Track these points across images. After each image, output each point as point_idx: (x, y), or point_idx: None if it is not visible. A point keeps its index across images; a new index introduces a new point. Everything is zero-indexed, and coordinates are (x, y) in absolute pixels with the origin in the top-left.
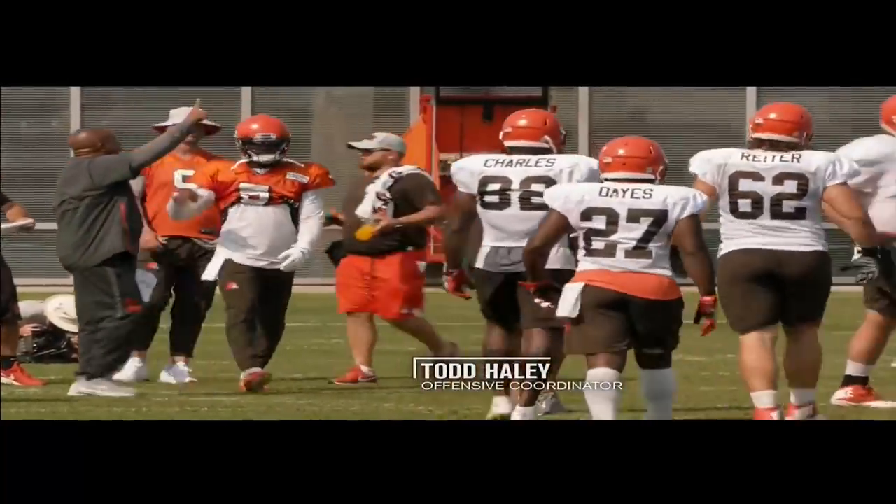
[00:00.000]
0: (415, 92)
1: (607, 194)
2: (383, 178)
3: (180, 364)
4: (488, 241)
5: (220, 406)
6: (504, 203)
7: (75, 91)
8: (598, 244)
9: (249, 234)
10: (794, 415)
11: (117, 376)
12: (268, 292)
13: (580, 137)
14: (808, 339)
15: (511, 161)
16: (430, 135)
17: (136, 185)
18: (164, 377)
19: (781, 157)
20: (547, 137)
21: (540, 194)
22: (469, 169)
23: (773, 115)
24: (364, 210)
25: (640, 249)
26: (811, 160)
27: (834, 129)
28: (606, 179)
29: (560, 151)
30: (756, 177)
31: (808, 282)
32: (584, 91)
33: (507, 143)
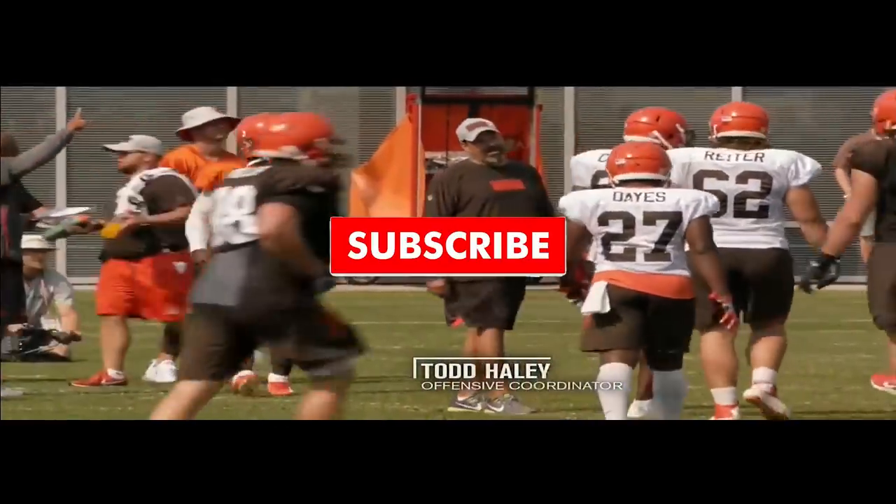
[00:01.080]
0: (400, 91)
1: (622, 199)
2: (134, 182)
3: (164, 363)
4: None
5: (207, 405)
6: None
7: (61, 91)
8: (616, 248)
9: None
10: (753, 390)
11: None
12: None
13: (566, 137)
14: (775, 331)
15: None
16: (416, 134)
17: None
18: (150, 375)
19: (745, 155)
20: (657, 133)
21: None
22: (585, 164)
23: (736, 114)
24: (119, 213)
25: (658, 252)
26: (775, 159)
27: (821, 128)
28: (620, 181)
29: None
30: (720, 175)
31: (768, 280)
32: (569, 90)
33: (625, 138)
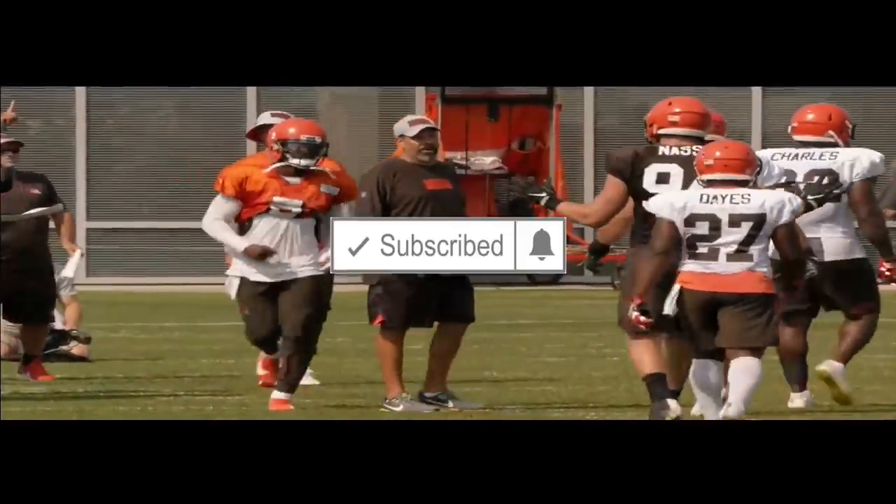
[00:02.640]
0: (420, 91)
1: (708, 201)
2: None
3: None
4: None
5: (225, 405)
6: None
7: (80, 91)
8: (702, 248)
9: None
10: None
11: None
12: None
13: (585, 136)
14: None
15: (797, 154)
16: None
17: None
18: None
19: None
20: (831, 132)
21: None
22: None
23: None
24: None
25: (741, 252)
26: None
27: None
28: (708, 181)
29: (847, 145)
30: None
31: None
32: (589, 90)
33: (795, 138)
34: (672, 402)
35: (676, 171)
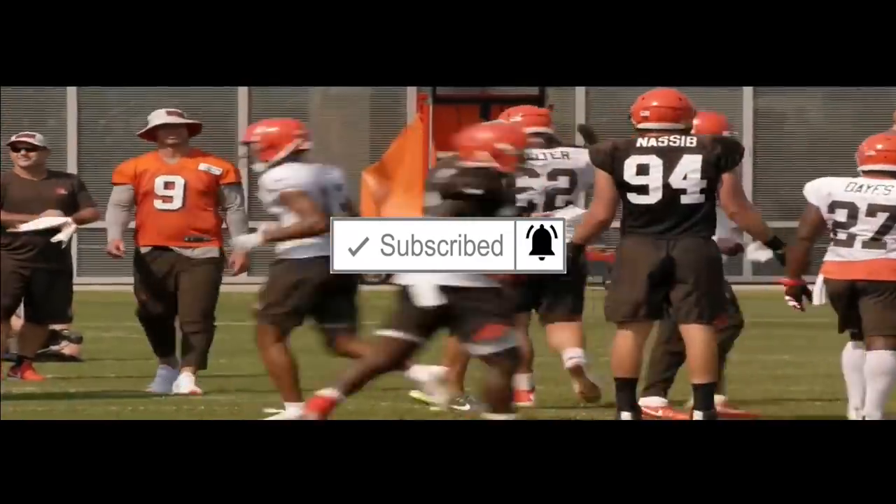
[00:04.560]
0: (411, 91)
1: (851, 189)
2: None
3: (185, 373)
4: None
5: (217, 405)
6: None
7: (72, 91)
8: (841, 235)
9: None
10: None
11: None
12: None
13: (577, 137)
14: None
15: None
16: (427, 134)
17: (122, 193)
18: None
19: (553, 154)
20: None
21: None
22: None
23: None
24: None
25: (875, 241)
26: (580, 157)
27: (833, 128)
28: (864, 172)
29: None
30: (532, 174)
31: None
32: (580, 91)
33: None
34: (625, 415)
35: (656, 163)
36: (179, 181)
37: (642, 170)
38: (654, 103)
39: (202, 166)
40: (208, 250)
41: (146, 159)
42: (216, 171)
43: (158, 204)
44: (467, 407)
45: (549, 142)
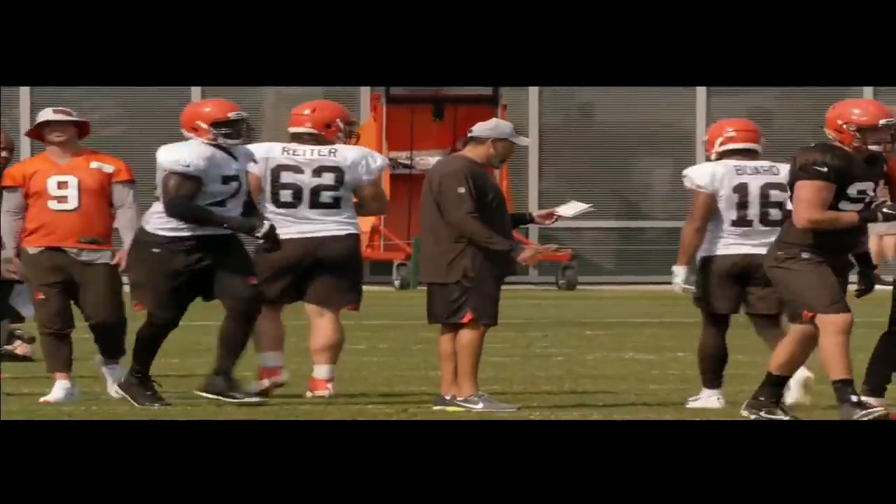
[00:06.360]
0: (365, 91)
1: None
2: None
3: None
4: None
5: (171, 405)
6: None
7: (25, 91)
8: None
9: None
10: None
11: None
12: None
13: (530, 136)
14: (332, 319)
15: None
16: (381, 133)
17: (13, 199)
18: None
19: (319, 150)
20: None
21: None
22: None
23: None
24: None
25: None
26: (346, 154)
27: (789, 127)
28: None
29: None
30: (297, 170)
31: (342, 265)
32: (534, 90)
33: None
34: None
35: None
36: (73, 181)
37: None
38: None
39: (93, 164)
40: (102, 255)
41: (35, 161)
42: (108, 168)
43: (53, 205)
44: (480, 406)
45: (316, 140)
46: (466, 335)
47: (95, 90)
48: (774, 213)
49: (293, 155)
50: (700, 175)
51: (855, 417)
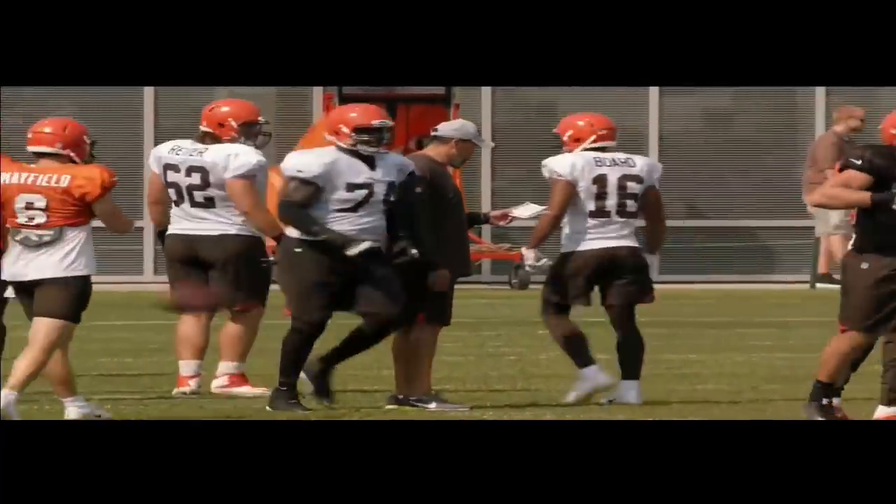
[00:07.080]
0: (317, 90)
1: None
2: None
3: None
4: None
5: (123, 405)
6: None
7: None
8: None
9: None
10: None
11: None
12: None
13: (484, 135)
14: (247, 318)
15: None
16: None
17: None
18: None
19: (194, 150)
20: None
21: None
22: None
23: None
24: None
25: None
26: (213, 154)
27: (743, 127)
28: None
29: None
30: (175, 169)
31: (217, 264)
32: (486, 90)
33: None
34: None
35: None
36: None
37: None
38: None
39: None
40: None
41: None
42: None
43: None
44: (433, 405)
45: (212, 138)
46: (420, 335)
47: (52, 90)
48: (631, 205)
49: (176, 154)
50: (560, 164)
51: (815, 419)
